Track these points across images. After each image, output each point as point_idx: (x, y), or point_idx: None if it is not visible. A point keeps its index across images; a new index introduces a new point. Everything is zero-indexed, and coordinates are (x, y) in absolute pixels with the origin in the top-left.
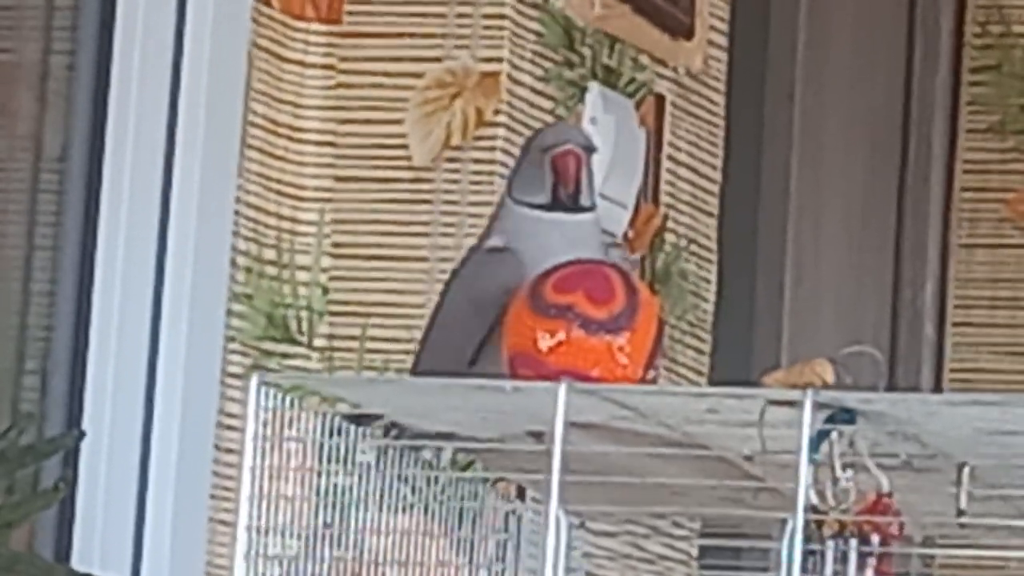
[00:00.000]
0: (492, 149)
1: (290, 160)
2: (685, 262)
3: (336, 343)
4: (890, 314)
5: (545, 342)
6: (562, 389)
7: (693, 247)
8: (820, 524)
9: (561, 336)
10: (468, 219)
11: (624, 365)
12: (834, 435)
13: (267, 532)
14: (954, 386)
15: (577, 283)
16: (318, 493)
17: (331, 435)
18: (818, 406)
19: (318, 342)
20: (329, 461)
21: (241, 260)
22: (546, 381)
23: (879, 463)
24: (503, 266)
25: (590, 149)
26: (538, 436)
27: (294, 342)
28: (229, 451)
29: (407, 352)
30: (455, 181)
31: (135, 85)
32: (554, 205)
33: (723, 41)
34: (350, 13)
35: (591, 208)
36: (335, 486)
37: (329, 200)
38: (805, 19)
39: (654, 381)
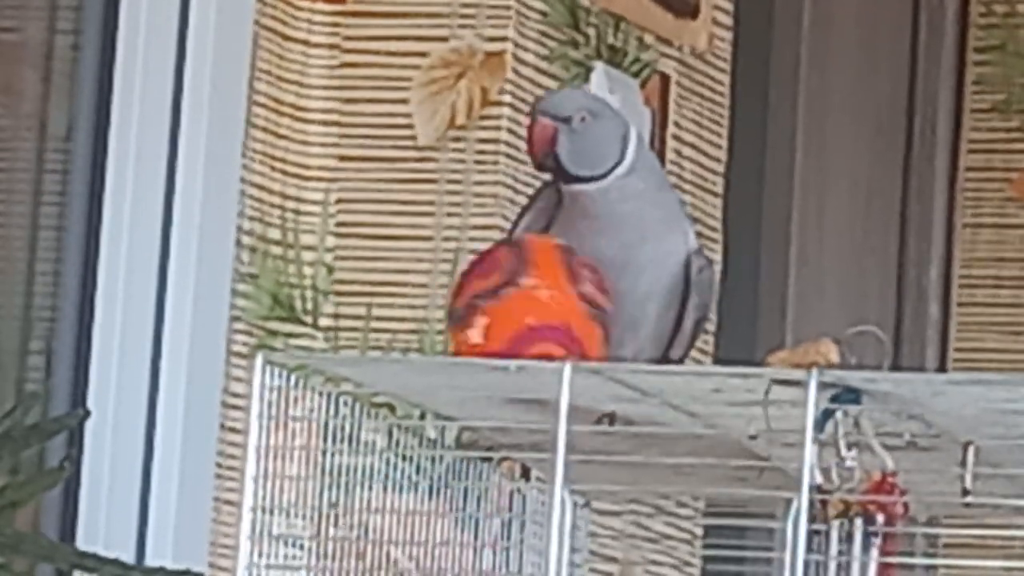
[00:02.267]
0: (497, 128)
1: (295, 140)
2: None
3: (341, 322)
4: (895, 294)
5: (476, 337)
6: (567, 369)
7: (697, 227)
8: (825, 504)
9: (484, 321)
10: (473, 199)
11: (551, 294)
12: (839, 415)
13: (272, 512)
14: (959, 366)
15: (467, 277)
16: (323, 472)
17: (336, 414)
18: (823, 386)
19: (323, 321)
20: (334, 440)
21: (246, 240)
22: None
23: (884, 443)
24: None
25: (566, 119)
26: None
27: (299, 321)
28: (234, 430)
29: (412, 332)
30: (460, 160)
31: (140, 64)
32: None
33: (728, 21)
34: None
35: (595, 178)
36: (340, 465)
37: (334, 180)
38: None
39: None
